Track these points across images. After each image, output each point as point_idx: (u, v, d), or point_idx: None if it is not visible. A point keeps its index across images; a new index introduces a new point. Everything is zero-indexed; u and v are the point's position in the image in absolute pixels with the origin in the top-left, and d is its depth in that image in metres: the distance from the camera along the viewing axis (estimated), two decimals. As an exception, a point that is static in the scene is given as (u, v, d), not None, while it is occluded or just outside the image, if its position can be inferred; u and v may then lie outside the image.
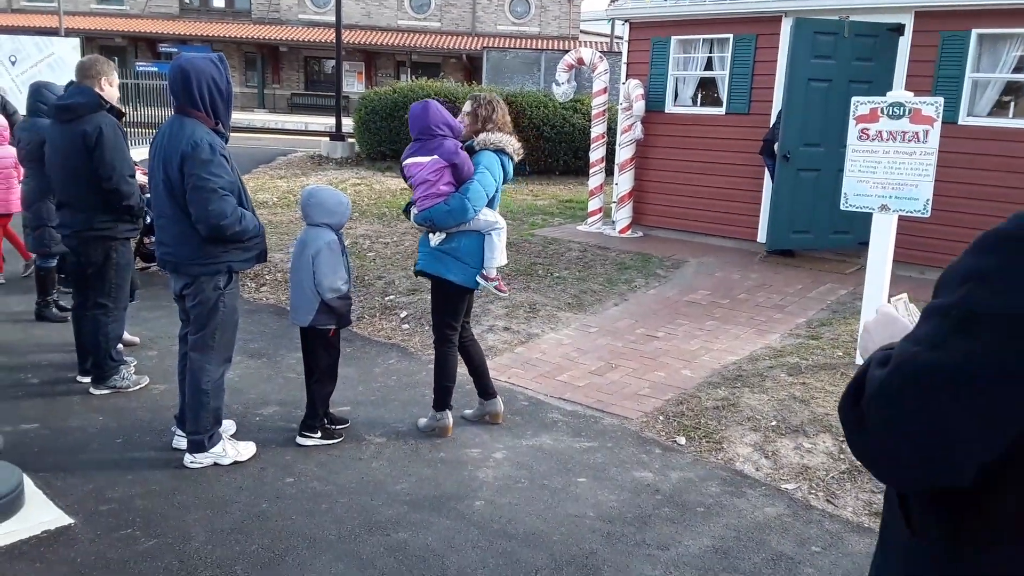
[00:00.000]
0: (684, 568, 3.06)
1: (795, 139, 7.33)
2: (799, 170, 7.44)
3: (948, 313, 0.96)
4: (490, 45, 23.39)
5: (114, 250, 4.45)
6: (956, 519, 1.01)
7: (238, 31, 33.48)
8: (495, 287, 4.06)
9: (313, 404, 4.04)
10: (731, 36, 8.34)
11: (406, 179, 4.03)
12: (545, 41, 31.56)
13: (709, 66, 8.71)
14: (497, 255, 4.01)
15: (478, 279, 4.01)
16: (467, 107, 4.13)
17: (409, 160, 3.95)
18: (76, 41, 14.94)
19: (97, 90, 4.35)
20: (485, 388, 4.30)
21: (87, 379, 4.62)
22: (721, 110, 8.47)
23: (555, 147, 13.79)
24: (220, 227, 3.48)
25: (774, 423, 4.30)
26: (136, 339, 5.35)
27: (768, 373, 4.99)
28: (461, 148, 3.91)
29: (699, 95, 8.98)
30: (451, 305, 4.08)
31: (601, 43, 31.43)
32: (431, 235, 3.98)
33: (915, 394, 0.94)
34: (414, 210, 4.00)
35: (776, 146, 7.40)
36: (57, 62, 13.28)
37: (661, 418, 4.44)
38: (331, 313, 3.96)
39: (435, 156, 3.85)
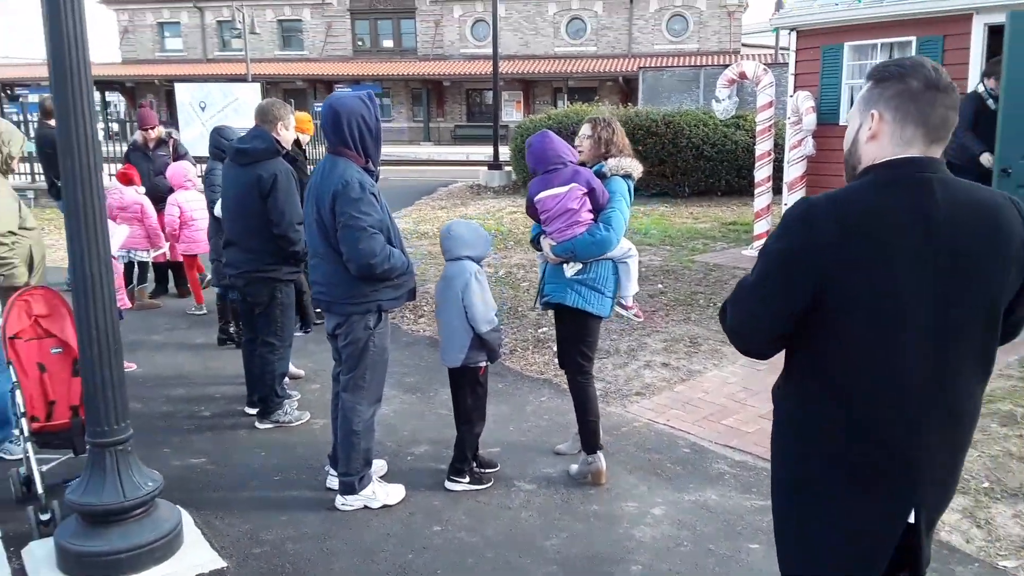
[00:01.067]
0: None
1: (1015, 150, 6.37)
2: (1020, 187, 6.45)
3: (759, 253, 1.80)
4: (647, 65, 23.03)
5: (279, 291, 4.57)
6: (785, 367, 1.87)
7: (405, 68, 35.21)
8: (633, 314, 4.11)
9: (462, 447, 3.90)
10: (913, 39, 7.55)
11: (535, 214, 3.92)
12: (705, 57, 30.69)
13: (890, 72, 7.92)
14: (633, 283, 3.96)
15: (616, 308, 3.98)
16: (586, 131, 3.98)
17: (544, 194, 3.79)
18: (257, 86, 16.21)
19: (274, 135, 4.50)
20: (589, 441, 3.95)
21: (254, 411, 4.77)
22: (905, 120, 7.65)
23: (716, 166, 13.18)
24: (370, 265, 3.43)
25: (986, 484, 3.67)
26: (301, 372, 5.50)
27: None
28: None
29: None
30: (591, 336, 3.92)
31: (765, 55, 30.08)
32: (566, 266, 3.82)
33: (739, 297, 1.82)
34: (550, 242, 3.84)
35: (983, 159, 6.48)
36: (240, 106, 14.41)
37: (845, 473, 3.91)
38: (482, 348, 3.82)
39: (573, 184, 3.72)
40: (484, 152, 24.49)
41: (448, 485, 3.87)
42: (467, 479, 3.88)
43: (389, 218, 3.60)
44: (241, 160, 4.48)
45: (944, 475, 1.78)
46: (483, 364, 3.88)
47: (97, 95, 36.23)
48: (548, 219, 3.81)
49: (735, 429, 4.48)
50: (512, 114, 33.31)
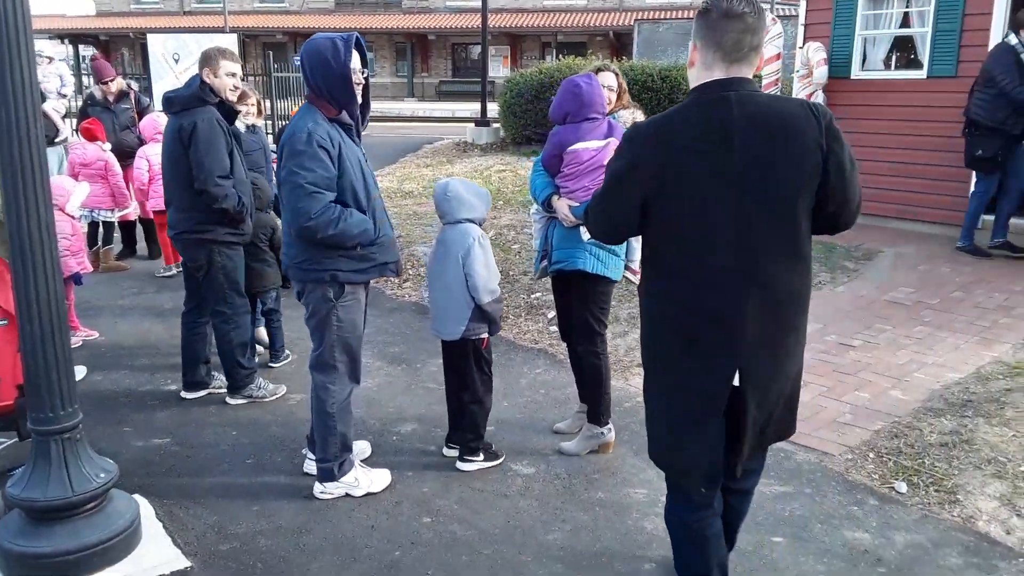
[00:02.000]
0: None
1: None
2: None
3: (607, 169, 2.22)
4: (641, 18, 22.30)
5: (217, 253, 4.10)
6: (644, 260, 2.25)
7: (389, 22, 34.22)
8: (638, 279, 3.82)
9: (475, 425, 3.56)
10: (933, -14, 7.09)
11: (556, 167, 3.48)
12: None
13: (905, 23, 7.48)
14: (639, 244, 3.68)
15: (625, 273, 3.65)
16: (610, 81, 3.70)
17: (580, 146, 3.39)
18: (233, 37, 15.47)
19: (207, 80, 4.02)
20: (604, 414, 3.67)
21: (191, 395, 4.36)
22: (921, 73, 7.23)
23: (713, 124, 12.70)
24: (306, 228, 2.99)
25: (1026, 468, 3.36)
26: (265, 341, 5.08)
27: (1006, 398, 3.99)
28: None
29: (892, 57, 7.77)
30: (607, 302, 3.64)
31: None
32: (583, 229, 3.40)
33: (593, 205, 2.26)
34: (569, 202, 3.43)
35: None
36: (217, 58, 13.68)
37: (871, 455, 3.60)
38: (483, 319, 3.45)
39: (611, 139, 3.38)
40: (470, 108, 23.81)
41: (461, 466, 3.56)
42: (480, 457, 3.58)
43: (365, 180, 3.15)
44: (168, 109, 4.06)
45: (768, 348, 2.09)
46: (484, 336, 3.52)
47: (71, 48, 35.11)
48: (574, 175, 3.44)
49: (748, 405, 4.14)
50: (499, 69, 32.45)
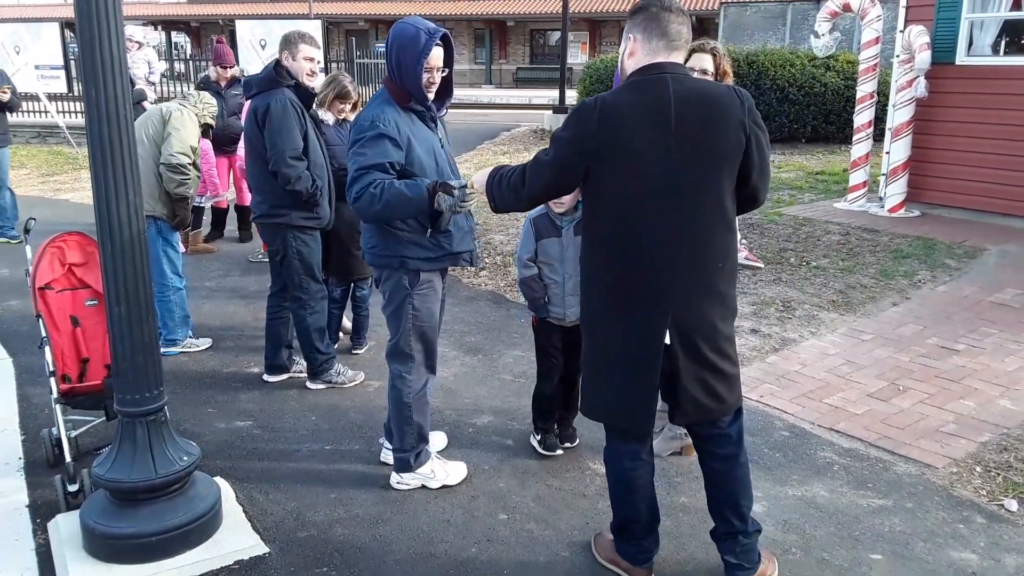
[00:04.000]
0: None
1: None
2: None
3: (551, 139, 2.42)
4: (727, 1, 21.64)
5: (293, 238, 4.12)
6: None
7: (468, 8, 34.29)
8: (752, 262, 3.78)
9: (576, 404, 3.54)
10: (1052, -37, 6.58)
11: None
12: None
13: (1015, 6, 6.97)
14: None
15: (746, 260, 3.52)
16: (704, 63, 3.58)
17: None
18: (318, 23, 15.67)
19: (285, 64, 4.03)
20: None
21: (274, 378, 4.41)
22: (1035, 59, 6.74)
23: (802, 111, 12.21)
24: (355, 209, 2.98)
25: None
26: (348, 327, 5.12)
27: None
28: None
29: (1001, 42, 7.26)
30: None
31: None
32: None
33: (535, 169, 2.40)
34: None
35: None
36: (301, 44, 13.91)
37: (978, 469, 3.35)
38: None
39: None
40: (547, 95, 23.64)
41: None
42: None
43: (439, 166, 3.06)
44: (247, 92, 4.12)
45: (699, 307, 2.31)
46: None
47: (163, 35, 36.47)
48: None
49: (840, 409, 3.93)
50: (577, 56, 32.11)
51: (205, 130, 4.81)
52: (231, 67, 7.27)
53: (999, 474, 3.30)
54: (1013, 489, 3.19)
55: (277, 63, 4.03)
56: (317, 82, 4.26)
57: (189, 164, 4.49)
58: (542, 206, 3.36)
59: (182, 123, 4.51)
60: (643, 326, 2.32)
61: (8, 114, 7.59)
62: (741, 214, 2.44)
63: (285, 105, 3.95)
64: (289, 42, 4.06)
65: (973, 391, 4.04)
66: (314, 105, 4.32)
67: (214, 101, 4.94)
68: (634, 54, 2.31)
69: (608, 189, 2.30)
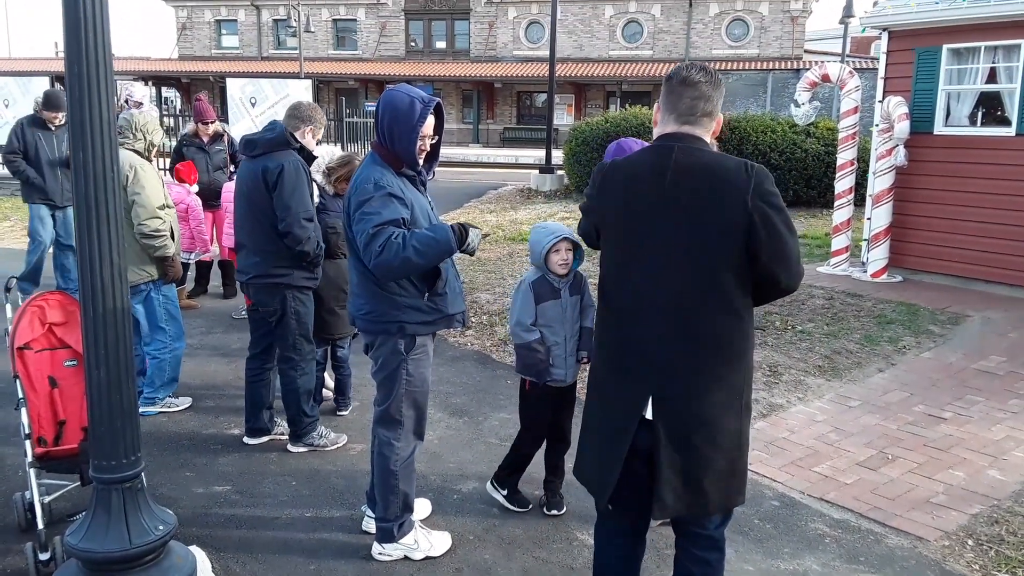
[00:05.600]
0: None
1: None
2: None
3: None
4: (707, 70, 22.23)
5: (292, 299, 4.10)
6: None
7: (457, 70, 34.97)
8: None
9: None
10: (1022, 42, 6.82)
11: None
12: (765, 63, 29.68)
13: (992, 78, 7.20)
14: None
15: None
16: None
17: None
18: (308, 83, 15.95)
19: (298, 135, 4.08)
20: None
21: (254, 440, 4.32)
22: (1010, 130, 6.93)
23: (783, 176, 12.44)
24: (377, 267, 2.89)
25: None
26: (331, 388, 5.04)
27: (1122, 485, 3.65)
28: None
29: (978, 113, 7.47)
30: None
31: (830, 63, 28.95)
32: None
33: (581, 222, 2.67)
34: None
35: None
36: (291, 103, 14.08)
37: (970, 543, 3.31)
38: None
39: None
40: (533, 155, 23.97)
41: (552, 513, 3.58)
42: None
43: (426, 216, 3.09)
44: (250, 151, 4.08)
45: (683, 385, 2.20)
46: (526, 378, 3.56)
47: (154, 90, 36.83)
48: None
49: (830, 479, 3.89)
50: (563, 117, 32.74)
51: (175, 162, 4.94)
52: (212, 122, 7.33)
53: (991, 548, 3.26)
54: (1006, 564, 3.15)
55: (286, 129, 4.08)
56: (320, 149, 4.40)
57: (162, 225, 4.44)
58: (535, 270, 3.39)
59: (141, 185, 4.40)
60: (621, 391, 2.28)
61: None
62: (767, 301, 2.32)
63: (298, 168, 4.00)
64: (315, 120, 4.21)
65: (962, 461, 4.02)
66: (312, 168, 4.37)
67: (154, 113, 4.96)
68: (657, 123, 2.36)
69: (607, 249, 2.38)
